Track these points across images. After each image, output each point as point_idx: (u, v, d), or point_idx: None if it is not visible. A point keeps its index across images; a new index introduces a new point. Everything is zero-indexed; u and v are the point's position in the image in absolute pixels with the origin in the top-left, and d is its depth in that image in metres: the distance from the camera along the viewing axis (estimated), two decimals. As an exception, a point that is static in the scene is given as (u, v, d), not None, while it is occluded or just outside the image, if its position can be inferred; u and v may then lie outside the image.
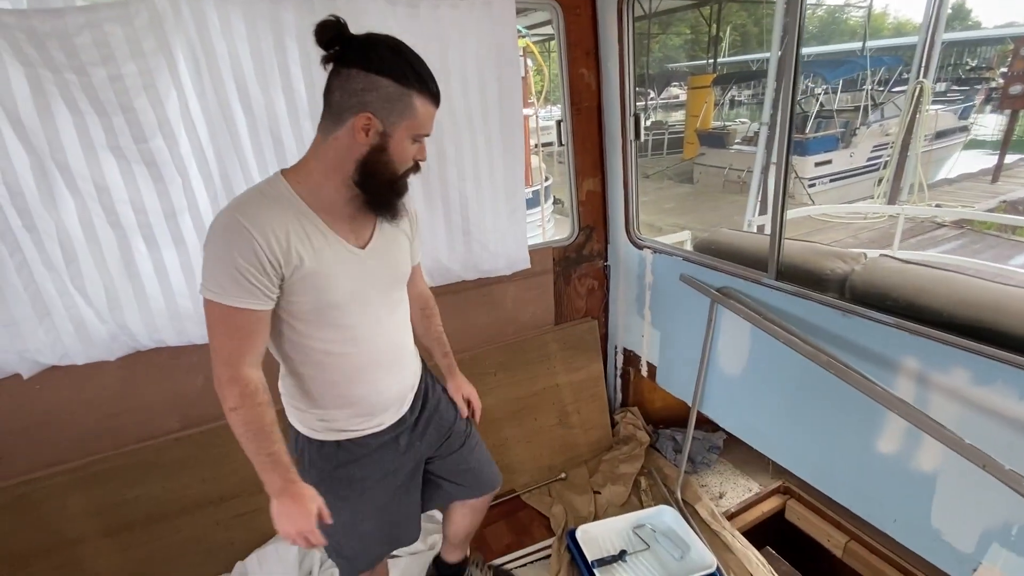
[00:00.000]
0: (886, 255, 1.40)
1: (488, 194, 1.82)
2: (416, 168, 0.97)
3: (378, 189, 0.93)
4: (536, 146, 5.74)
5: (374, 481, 1.14)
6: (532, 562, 1.81)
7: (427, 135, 0.94)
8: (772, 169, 6.00)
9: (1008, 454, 0.96)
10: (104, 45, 1.15)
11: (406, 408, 1.17)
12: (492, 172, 1.80)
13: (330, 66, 0.87)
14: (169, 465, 1.62)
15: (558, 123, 1.98)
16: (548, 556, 1.81)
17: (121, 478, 1.57)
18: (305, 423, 1.09)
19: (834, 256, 1.45)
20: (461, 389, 1.35)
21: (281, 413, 1.14)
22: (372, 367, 1.05)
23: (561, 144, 2.01)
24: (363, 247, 0.99)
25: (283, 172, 0.93)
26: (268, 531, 1.77)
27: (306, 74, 1.40)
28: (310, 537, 0.95)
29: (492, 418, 2.04)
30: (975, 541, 1.17)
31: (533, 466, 2.14)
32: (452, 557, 1.59)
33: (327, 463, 1.10)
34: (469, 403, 1.36)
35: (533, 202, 5.75)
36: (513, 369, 2.08)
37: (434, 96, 0.91)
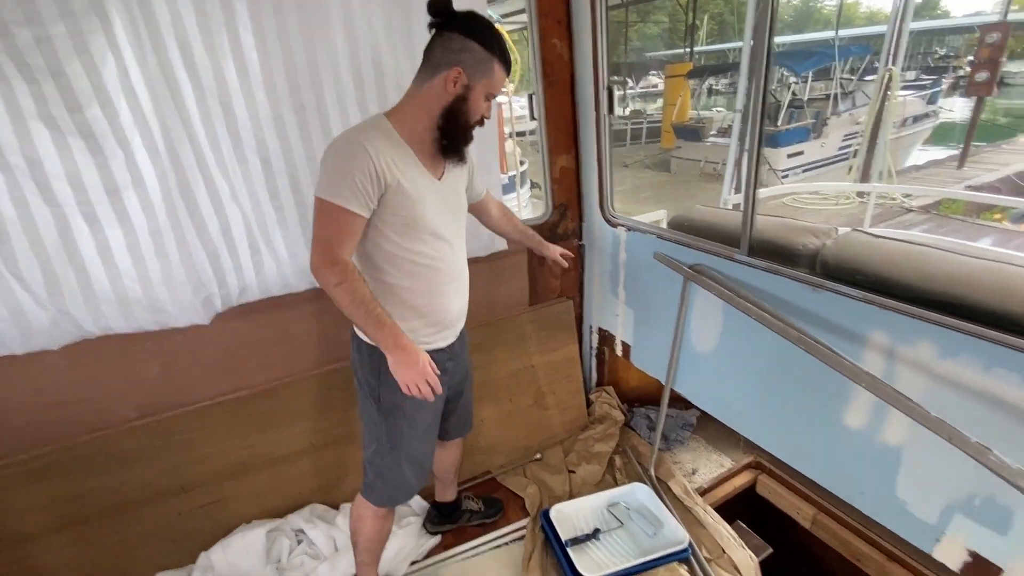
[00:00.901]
0: (858, 230, 1.40)
1: None
2: (481, 122, 1.19)
3: (455, 133, 1.16)
4: (511, 134, 5.65)
5: (428, 402, 1.28)
6: (507, 543, 1.80)
7: (496, 96, 1.18)
8: (745, 157, 6.05)
9: (972, 426, 0.96)
10: (28, 2, 1.05)
11: (457, 334, 1.37)
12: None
13: (433, 31, 1.11)
14: (126, 455, 1.55)
15: (530, 96, 1.93)
16: (523, 537, 1.80)
17: (73, 470, 1.50)
18: None
19: (806, 231, 1.44)
20: (556, 251, 1.68)
21: (355, 339, 1.28)
22: (448, 279, 1.27)
23: (533, 118, 1.96)
24: (439, 179, 1.22)
25: (384, 114, 1.16)
26: (234, 520, 1.72)
27: (259, 40, 1.31)
28: (430, 379, 1.13)
29: (466, 401, 2.01)
30: (939, 512, 1.19)
31: (508, 447, 2.13)
32: (447, 496, 1.81)
33: None
34: (564, 257, 1.69)
35: (509, 188, 5.68)
36: (488, 350, 2.05)
37: (508, 66, 1.16)
